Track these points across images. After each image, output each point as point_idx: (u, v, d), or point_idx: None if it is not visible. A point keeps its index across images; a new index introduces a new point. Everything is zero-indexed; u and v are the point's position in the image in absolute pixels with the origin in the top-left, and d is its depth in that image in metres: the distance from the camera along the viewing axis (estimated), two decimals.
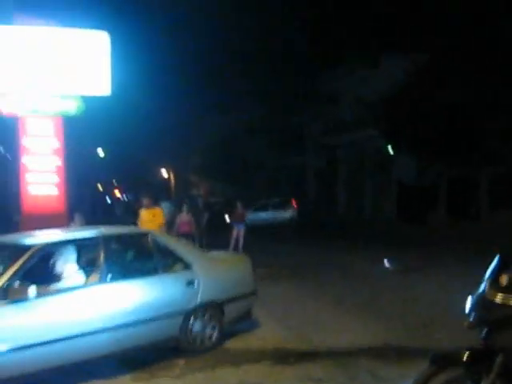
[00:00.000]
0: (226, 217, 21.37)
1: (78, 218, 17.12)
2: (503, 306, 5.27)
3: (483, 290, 5.45)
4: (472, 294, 5.55)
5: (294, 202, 34.17)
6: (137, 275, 7.43)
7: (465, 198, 28.59)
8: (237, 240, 19.67)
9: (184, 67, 34.68)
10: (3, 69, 13.19)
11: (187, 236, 16.98)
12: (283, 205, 33.85)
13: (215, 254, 9.36)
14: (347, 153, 37.35)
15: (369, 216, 34.73)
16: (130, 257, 8.04)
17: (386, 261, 14.56)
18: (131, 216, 15.95)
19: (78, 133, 21.34)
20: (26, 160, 13.85)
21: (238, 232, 19.69)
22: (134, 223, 13.55)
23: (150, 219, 12.73)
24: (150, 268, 7.66)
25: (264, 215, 31.26)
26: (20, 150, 13.86)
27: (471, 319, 5.46)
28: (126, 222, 17.31)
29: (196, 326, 7.74)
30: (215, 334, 7.94)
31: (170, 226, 17.35)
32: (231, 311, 8.24)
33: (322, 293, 11.92)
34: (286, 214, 33.22)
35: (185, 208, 17.47)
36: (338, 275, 14.06)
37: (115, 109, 28.42)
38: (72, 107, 13.92)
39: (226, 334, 8.18)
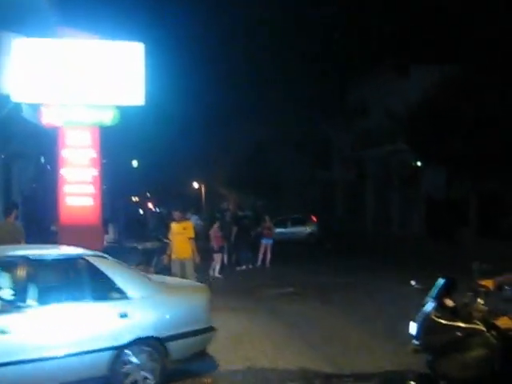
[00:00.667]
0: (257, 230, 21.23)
1: (111, 229, 17.21)
2: (448, 329, 5.08)
3: (428, 313, 5.28)
4: (416, 318, 5.41)
5: (314, 218, 33.77)
6: (59, 303, 6.60)
7: (496, 214, 28.21)
8: (264, 255, 19.87)
9: (217, 78, 34.91)
10: (43, 80, 13.40)
11: (216, 250, 17.25)
12: (303, 220, 33.52)
13: (172, 282, 8.52)
14: (375, 167, 37.20)
15: (397, 232, 34.49)
16: (55, 282, 7.13)
17: (413, 282, 14.35)
18: (163, 228, 15.85)
19: (114, 144, 21.56)
20: (64, 171, 14.00)
21: (266, 246, 19.99)
22: (166, 236, 13.72)
23: (181, 232, 12.84)
24: (76, 295, 6.77)
25: (283, 231, 30.98)
26: (59, 160, 14.01)
27: (416, 344, 5.29)
28: (158, 235, 17.38)
29: (130, 364, 6.78)
30: (154, 376, 6.93)
31: (202, 239, 17.50)
32: (178, 350, 7.18)
33: (349, 313, 11.75)
34: (306, 230, 32.88)
35: (217, 223, 17.74)
36: (364, 295, 13.92)
37: (149, 121, 28.81)
38: (108, 117, 14.18)
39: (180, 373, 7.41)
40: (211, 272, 17.38)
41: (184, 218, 13.45)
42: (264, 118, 37.65)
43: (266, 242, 20.08)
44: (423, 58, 29.19)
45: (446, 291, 5.45)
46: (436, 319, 5.26)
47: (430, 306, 5.45)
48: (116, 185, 33.15)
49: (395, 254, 23.43)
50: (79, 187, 14.27)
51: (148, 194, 64.39)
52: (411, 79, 31.40)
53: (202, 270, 16.30)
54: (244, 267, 19.48)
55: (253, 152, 41.94)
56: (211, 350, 8.70)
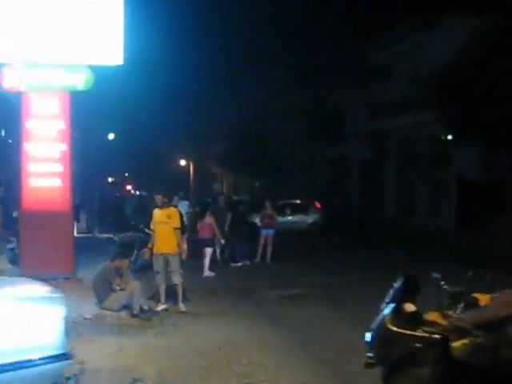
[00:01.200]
0: (257, 220, 20.96)
1: (83, 217, 17.08)
2: (405, 339, 4.94)
3: (383, 321, 5.14)
4: (372, 326, 5.28)
5: (317, 205, 33.43)
6: None
7: None
8: (264, 248, 19.56)
9: (210, 38, 34.46)
10: (4, 37, 13.16)
11: (207, 242, 17.04)
12: (304, 208, 33.16)
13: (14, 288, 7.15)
14: (397, 142, 36.60)
15: (421, 220, 33.93)
16: None
17: (435, 274, 14.20)
18: (144, 216, 15.67)
19: (87, 114, 21.29)
20: (28, 146, 13.82)
21: (267, 238, 19.75)
22: (148, 225, 13.46)
23: (164, 221, 12.51)
24: None
25: (280, 220, 30.55)
26: (22, 133, 13.81)
27: (370, 357, 5.15)
28: (138, 224, 17.38)
29: None
30: None
31: (189, 230, 17.21)
32: None
33: (362, 320, 11.59)
34: (307, 219, 32.62)
35: (210, 209, 17.64)
36: (379, 298, 13.65)
37: (129, 86, 28.35)
38: (80, 81, 14.03)
39: None
40: (206, 273, 17.13)
41: (169, 204, 13.09)
42: (263, 84, 37.07)
43: (266, 233, 19.76)
44: (454, 8, 28.28)
45: (405, 294, 5.31)
46: (391, 327, 5.12)
47: (386, 311, 5.30)
48: (89, 163, 32.69)
49: (419, 246, 23.18)
50: (45, 165, 14.12)
51: (126, 175, 64.18)
52: (440, 35, 30.23)
53: (193, 269, 16.35)
54: (240, 263, 19.27)
55: (250, 125, 41.06)
56: (203, 364, 8.65)
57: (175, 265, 12.41)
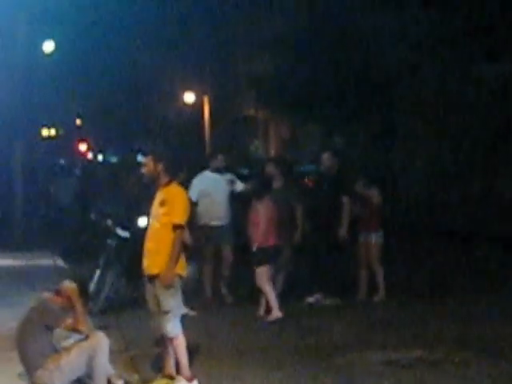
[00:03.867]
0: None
1: None
2: None
3: None
4: None
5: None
6: None
7: None
8: (368, 268, 11.90)
9: None
10: None
11: (263, 254, 10.37)
12: None
13: None
14: None
15: None
16: None
17: None
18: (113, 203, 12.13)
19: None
20: None
21: (367, 248, 11.84)
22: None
23: (156, 212, 7.33)
24: None
25: None
26: None
27: None
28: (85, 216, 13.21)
29: None
30: None
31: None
32: None
33: None
34: None
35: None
36: None
37: None
38: None
39: None
40: (261, 311, 10.42)
41: (171, 178, 7.37)
42: None
43: (365, 239, 11.73)
44: None
45: None
46: None
47: None
48: (10, 97, 19.53)
49: None
50: None
51: (78, 122, 39.58)
52: None
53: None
54: (316, 298, 11.57)
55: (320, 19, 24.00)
56: None
57: (165, 298, 7.15)
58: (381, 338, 9.66)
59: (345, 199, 11.36)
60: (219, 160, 11.27)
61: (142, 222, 9.82)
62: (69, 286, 7.01)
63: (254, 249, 10.27)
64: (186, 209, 7.20)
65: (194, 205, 10.15)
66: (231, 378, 7.75)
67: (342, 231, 11.23)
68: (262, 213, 10.24)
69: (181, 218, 7.08)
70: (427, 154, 24.94)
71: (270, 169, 11.46)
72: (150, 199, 7.43)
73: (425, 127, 25.11)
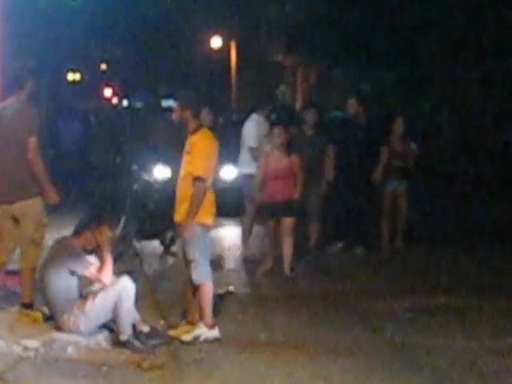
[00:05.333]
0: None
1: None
2: None
3: None
4: None
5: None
6: None
7: None
8: (392, 218, 11.83)
9: None
10: None
11: (285, 208, 9.96)
12: None
13: None
14: None
15: None
16: None
17: None
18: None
19: None
20: None
21: (395, 196, 11.75)
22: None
23: (183, 162, 7.16)
24: None
25: None
26: None
27: None
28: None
29: None
30: None
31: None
32: None
33: None
34: None
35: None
36: None
37: None
38: None
39: None
40: (286, 268, 9.94)
41: (198, 124, 7.13)
42: None
43: (393, 187, 11.65)
44: None
45: None
46: None
47: None
48: (35, 41, 19.51)
49: None
50: None
51: (104, 67, 38.94)
52: None
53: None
54: (341, 245, 11.55)
55: None
56: None
57: (187, 247, 7.06)
58: (407, 285, 9.74)
59: (383, 149, 11.33)
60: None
61: (162, 169, 9.83)
62: (102, 227, 6.93)
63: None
64: (206, 158, 6.99)
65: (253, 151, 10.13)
66: (256, 323, 7.78)
67: (377, 177, 11.26)
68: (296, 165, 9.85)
69: (199, 169, 6.89)
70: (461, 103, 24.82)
71: (310, 116, 11.18)
72: (178, 145, 7.34)
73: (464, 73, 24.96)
